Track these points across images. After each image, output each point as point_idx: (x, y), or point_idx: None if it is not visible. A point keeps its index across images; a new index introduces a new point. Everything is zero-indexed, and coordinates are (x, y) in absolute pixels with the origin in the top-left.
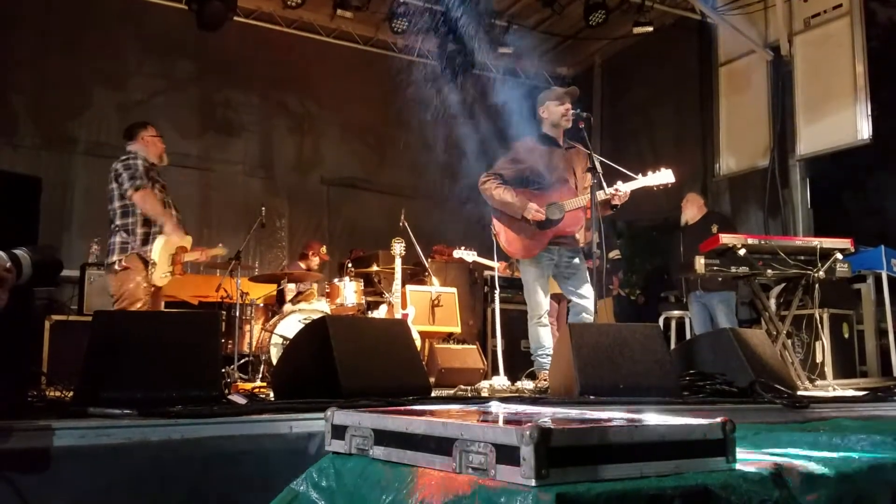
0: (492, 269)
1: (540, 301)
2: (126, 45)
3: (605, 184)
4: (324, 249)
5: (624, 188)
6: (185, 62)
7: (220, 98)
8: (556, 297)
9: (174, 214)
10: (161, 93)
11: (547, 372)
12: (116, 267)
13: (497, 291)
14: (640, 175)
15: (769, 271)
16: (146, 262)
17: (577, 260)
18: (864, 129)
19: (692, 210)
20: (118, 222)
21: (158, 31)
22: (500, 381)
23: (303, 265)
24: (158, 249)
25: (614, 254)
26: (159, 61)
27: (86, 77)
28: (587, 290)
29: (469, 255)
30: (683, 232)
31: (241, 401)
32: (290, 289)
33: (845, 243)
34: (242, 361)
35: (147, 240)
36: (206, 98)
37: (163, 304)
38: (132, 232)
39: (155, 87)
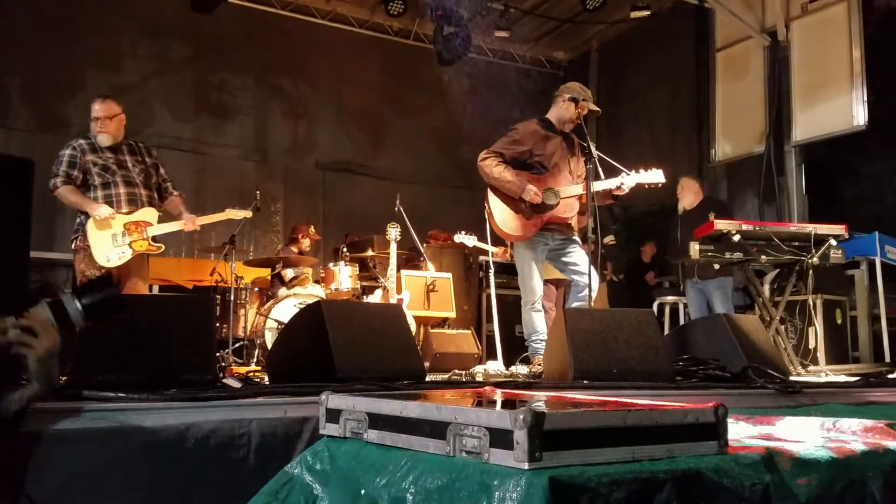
0: (489, 254)
1: (534, 286)
2: (120, 26)
3: (601, 171)
4: (312, 230)
5: (628, 181)
6: (179, 44)
7: (214, 81)
8: (555, 282)
9: (119, 192)
10: (155, 75)
11: (541, 357)
12: (73, 247)
13: (492, 276)
14: (632, 171)
15: (763, 257)
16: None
17: (571, 241)
18: (860, 116)
19: (689, 196)
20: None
21: (153, 13)
22: (495, 365)
23: (294, 249)
24: (88, 233)
25: (609, 239)
26: (154, 43)
27: (80, 59)
28: (585, 265)
29: (469, 240)
30: (681, 218)
31: (236, 385)
32: (286, 273)
33: (839, 229)
34: (237, 345)
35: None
36: (200, 81)
37: (141, 285)
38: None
39: (149, 70)
